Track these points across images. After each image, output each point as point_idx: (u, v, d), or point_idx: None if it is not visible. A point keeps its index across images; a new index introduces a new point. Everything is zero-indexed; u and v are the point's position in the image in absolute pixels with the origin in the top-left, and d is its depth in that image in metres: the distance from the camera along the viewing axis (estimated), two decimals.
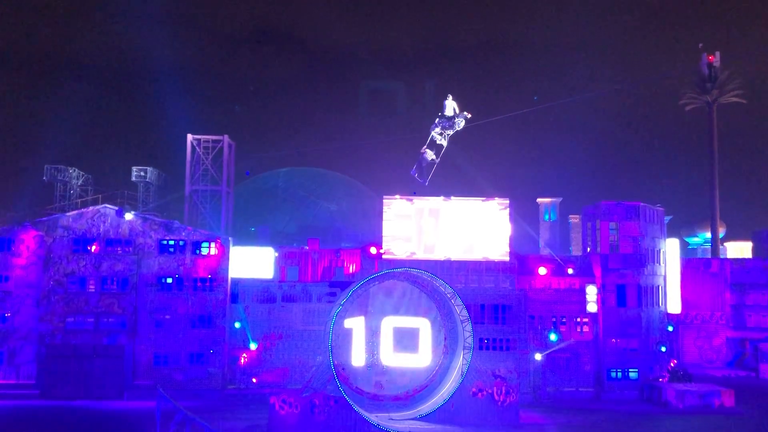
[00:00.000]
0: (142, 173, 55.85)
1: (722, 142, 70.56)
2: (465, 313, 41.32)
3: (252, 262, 49.87)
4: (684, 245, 62.07)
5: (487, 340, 48.75)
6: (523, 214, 61.98)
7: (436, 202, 49.92)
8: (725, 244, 73.17)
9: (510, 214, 50.21)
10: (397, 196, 49.82)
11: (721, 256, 66.99)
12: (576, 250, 61.13)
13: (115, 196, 52.20)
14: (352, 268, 51.20)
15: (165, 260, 48.63)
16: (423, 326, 44.79)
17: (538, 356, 48.65)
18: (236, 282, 49.49)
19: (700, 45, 70.10)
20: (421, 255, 49.34)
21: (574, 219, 63.70)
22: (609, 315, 50.26)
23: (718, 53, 69.36)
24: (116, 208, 49.23)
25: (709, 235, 70.86)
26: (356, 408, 37.20)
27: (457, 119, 27.49)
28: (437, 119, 27.30)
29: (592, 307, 50.43)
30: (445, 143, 25.82)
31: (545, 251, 59.17)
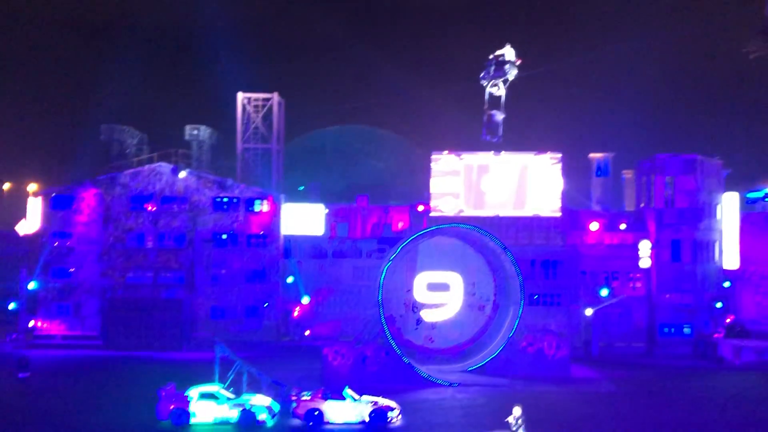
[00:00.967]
0: (195, 132, 56.81)
1: None
2: (515, 268, 41.18)
3: (303, 219, 50.65)
4: (743, 200, 60.08)
5: (538, 295, 48.65)
6: (575, 170, 60.91)
7: (485, 157, 49.47)
8: None
9: (561, 169, 49.47)
10: (446, 152, 49.54)
11: None
12: (629, 206, 59.89)
13: (170, 154, 53.32)
14: (400, 225, 51.49)
15: (219, 217, 49.78)
16: (457, 281, 44.73)
17: (589, 311, 48.37)
18: (288, 238, 50.40)
19: None
20: (469, 211, 49.20)
21: (628, 174, 62.21)
22: (663, 270, 49.49)
23: None
24: (171, 166, 50.43)
25: None
26: (406, 360, 37.80)
27: (507, 67, 26.75)
28: (486, 66, 26.55)
29: (645, 263, 49.69)
30: (503, 92, 25.13)
31: (597, 207, 58.24)
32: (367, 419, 28.73)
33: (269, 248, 49.74)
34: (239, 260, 49.66)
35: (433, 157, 49.65)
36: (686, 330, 49.12)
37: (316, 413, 28.79)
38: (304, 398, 29.29)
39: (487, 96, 31.08)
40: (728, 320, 51.02)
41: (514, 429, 23.99)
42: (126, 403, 32.22)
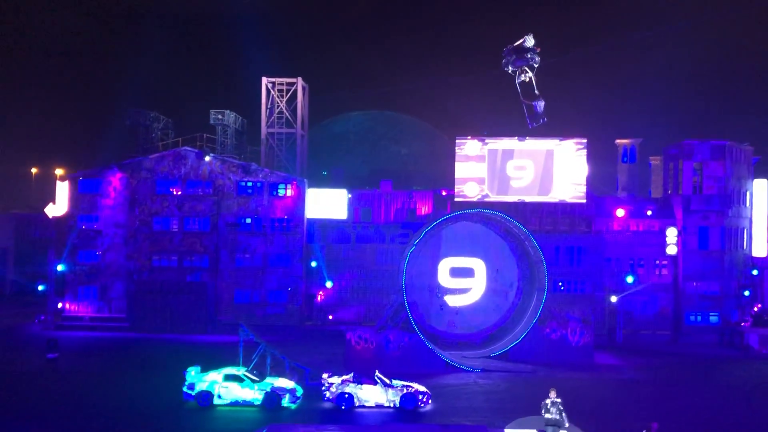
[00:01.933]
0: (220, 116, 56.99)
1: None
2: (540, 254, 40.96)
3: (326, 204, 50.77)
4: None
5: (562, 281, 48.36)
6: (601, 156, 60.29)
7: (510, 142, 49.10)
8: None
9: (587, 155, 48.94)
10: (470, 137, 49.24)
11: None
12: (655, 193, 59.17)
13: (195, 139, 53.66)
14: (424, 210, 51.39)
15: (244, 201, 50.08)
16: (480, 267, 44.59)
17: (613, 298, 48.02)
18: (312, 222, 50.57)
19: None
20: (493, 197, 48.93)
21: (655, 161, 61.43)
22: (689, 258, 48.90)
23: None
24: (196, 150, 50.75)
25: None
26: (429, 345, 37.87)
27: (529, 55, 26.44)
28: (504, 55, 26.21)
29: (671, 250, 49.15)
30: (533, 77, 24.76)
31: (623, 193, 57.60)
32: (397, 403, 28.87)
33: (293, 233, 49.97)
34: (263, 245, 49.99)
35: (458, 142, 49.38)
36: (713, 318, 48.58)
37: (346, 396, 28.99)
38: (335, 382, 29.51)
39: (518, 86, 30.76)
40: (756, 309, 50.35)
41: (549, 411, 23.89)
42: (151, 383, 32.72)
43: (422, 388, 29.70)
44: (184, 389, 29.23)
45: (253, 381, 29.33)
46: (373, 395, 29.12)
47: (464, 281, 44.78)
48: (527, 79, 25.94)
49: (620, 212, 49.63)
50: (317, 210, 50.68)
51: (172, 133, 58.56)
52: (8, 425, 25.93)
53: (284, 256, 49.93)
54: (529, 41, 28.40)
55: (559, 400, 23.89)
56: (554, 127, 50.23)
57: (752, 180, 51.45)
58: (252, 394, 28.94)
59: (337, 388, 29.23)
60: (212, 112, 56.90)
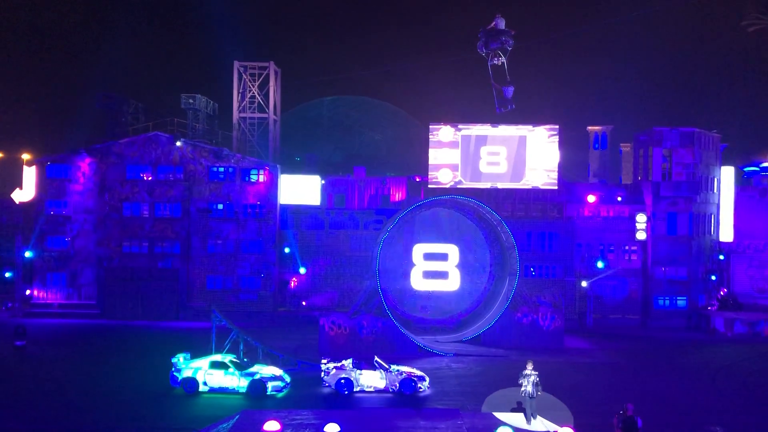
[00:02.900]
0: (191, 101, 56.20)
1: None
2: (511, 240, 41.29)
3: (300, 190, 50.55)
4: (739, 174, 60.09)
5: (534, 267, 48.85)
6: (573, 142, 60.83)
7: (482, 128, 49.28)
8: None
9: (559, 142, 49.33)
10: (443, 123, 49.31)
11: None
12: (626, 179, 59.94)
13: (166, 123, 52.98)
14: (398, 196, 51.44)
15: (216, 187, 49.62)
16: (453, 252, 44.93)
17: (584, 283, 48.65)
18: (285, 208, 50.34)
19: None
20: (467, 183, 49.15)
21: (626, 147, 62.14)
22: (658, 243, 49.71)
23: None
24: (167, 135, 50.08)
25: (766, 164, 68.44)
26: (403, 330, 38.04)
27: (503, 38, 26.55)
28: (480, 37, 26.28)
29: (641, 235, 49.90)
30: (505, 62, 24.89)
31: (594, 179, 58.24)
32: (397, 388, 28.98)
33: (266, 219, 49.69)
34: (236, 231, 49.65)
35: (431, 128, 49.44)
36: (680, 302, 49.50)
37: (344, 381, 28.99)
38: (334, 367, 29.51)
39: (490, 69, 30.89)
40: (722, 293, 51.42)
41: (525, 382, 24.62)
42: (125, 370, 32.43)
43: (421, 373, 29.89)
44: (171, 375, 28.90)
45: (239, 368, 28.81)
46: (372, 380, 29.17)
47: (438, 266, 45.02)
48: (500, 63, 26.12)
49: (591, 198, 50.22)
50: (290, 196, 50.45)
51: (143, 118, 57.70)
52: None
53: (257, 242, 49.66)
54: (501, 23, 28.55)
55: (535, 372, 24.60)
56: (527, 114, 50.56)
57: (720, 167, 52.39)
58: (236, 381, 28.45)
59: (335, 373, 29.22)
60: (183, 96, 56.11)
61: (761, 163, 71.20)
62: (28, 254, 48.93)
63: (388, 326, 37.67)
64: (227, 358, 29.31)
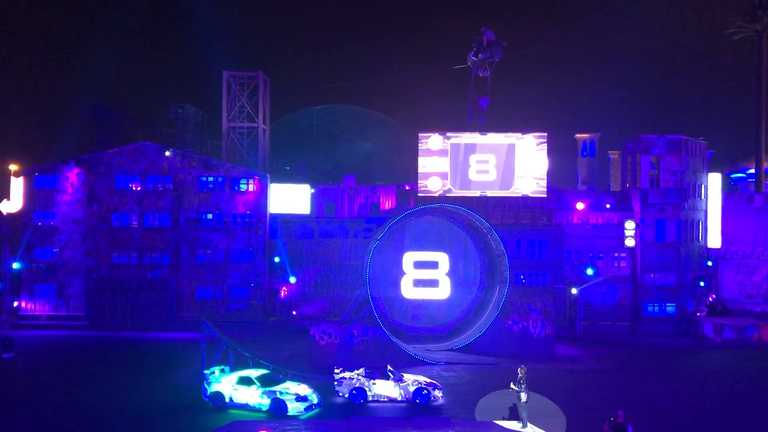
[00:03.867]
0: (180, 110, 56.10)
1: None
2: (501, 247, 41.40)
3: (289, 199, 50.50)
4: (726, 181, 60.68)
5: (524, 274, 48.96)
6: (561, 150, 61.12)
7: (471, 137, 49.46)
8: None
9: (547, 149, 49.58)
10: (432, 132, 49.47)
11: (766, 192, 65.35)
12: (615, 187, 60.28)
13: (154, 133, 52.85)
14: (387, 205, 51.48)
15: (205, 196, 49.49)
16: (444, 260, 44.99)
17: (574, 291, 48.82)
18: (275, 218, 50.26)
19: None
20: (456, 191, 49.29)
21: (614, 155, 62.52)
22: (647, 250, 49.98)
23: None
24: (156, 145, 49.93)
25: (752, 171, 69.11)
26: (393, 339, 37.99)
27: (494, 48, 26.84)
28: (473, 47, 26.57)
29: (630, 242, 50.16)
30: (489, 74, 25.19)
31: (582, 187, 58.54)
32: (410, 397, 28.93)
33: (255, 228, 49.58)
34: (225, 240, 49.49)
35: (420, 136, 49.57)
36: (669, 308, 49.76)
37: (355, 391, 28.96)
38: (347, 377, 29.41)
39: (473, 78, 31.16)
40: (710, 299, 51.72)
41: (518, 387, 24.87)
42: (116, 384, 32.18)
43: (434, 382, 29.89)
44: (203, 387, 28.41)
45: (264, 385, 27.93)
46: (385, 390, 29.14)
47: (428, 275, 45.04)
48: (484, 75, 26.35)
49: (580, 206, 50.47)
50: (280, 205, 50.38)
51: (131, 128, 57.52)
52: None
53: (247, 252, 49.52)
54: (490, 34, 28.82)
55: (524, 377, 24.79)
56: (515, 122, 50.87)
57: (707, 174, 52.82)
58: (260, 399, 27.64)
59: (348, 383, 29.11)
60: (172, 106, 56.00)
61: (747, 169, 71.89)
62: (15, 265, 48.56)
63: (379, 335, 37.61)
64: (256, 373, 28.48)
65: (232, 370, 29.99)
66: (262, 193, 49.75)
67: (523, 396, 24.88)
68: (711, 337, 45.68)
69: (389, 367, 30.00)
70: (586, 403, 29.05)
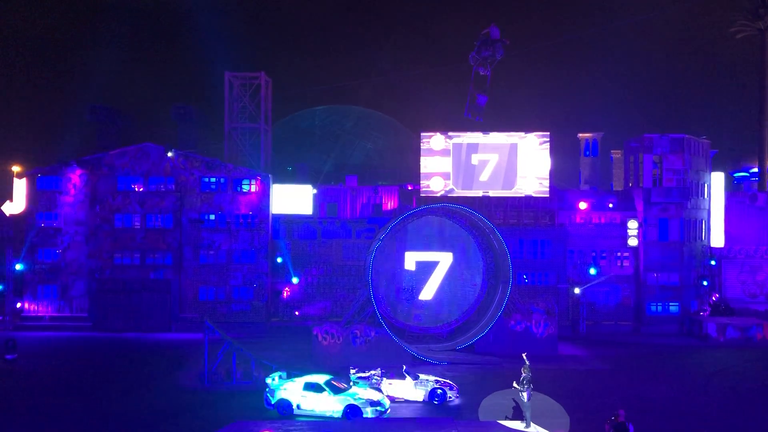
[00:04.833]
0: (182, 111, 56.20)
1: None
2: (504, 247, 41.32)
3: (292, 200, 50.51)
4: (729, 180, 60.52)
5: (526, 274, 48.89)
6: (563, 150, 61.06)
7: (474, 136, 49.41)
8: None
9: (550, 149, 49.51)
10: (435, 132, 49.43)
11: None
12: (617, 186, 60.20)
13: (157, 134, 53.00)
14: (390, 205, 51.44)
15: (207, 197, 49.52)
16: (446, 260, 44.92)
17: (577, 290, 48.72)
18: (277, 218, 50.27)
19: None
20: (459, 191, 49.24)
21: (616, 154, 62.46)
22: (650, 249, 49.87)
23: None
24: (158, 146, 49.97)
25: (755, 170, 68.98)
26: (396, 339, 37.94)
27: (496, 46, 26.81)
28: (476, 46, 26.53)
29: (632, 242, 50.04)
30: (488, 73, 25.18)
31: (585, 186, 58.46)
32: (427, 397, 28.90)
33: (258, 229, 49.59)
34: (228, 241, 49.51)
35: (423, 136, 49.55)
36: (673, 308, 49.64)
37: None
38: (363, 377, 29.39)
39: (473, 75, 31.15)
40: (714, 298, 51.59)
41: (522, 387, 24.81)
42: (115, 384, 32.19)
43: (449, 382, 29.86)
44: (265, 396, 27.40)
45: (335, 391, 26.82)
46: (402, 390, 29.11)
47: (431, 274, 44.95)
48: (484, 73, 26.33)
49: (583, 205, 50.37)
50: (282, 206, 50.39)
51: (134, 129, 57.63)
52: None
53: (249, 253, 49.53)
54: (495, 32, 28.79)
55: (528, 376, 24.69)
56: (518, 121, 50.79)
57: (710, 173, 52.68)
58: (331, 405, 26.40)
59: (365, 383, 28.98)
60: (174, 107, 56.06)
61: (750, 168, 71.72)
62: (18, 267, 48.62)
63: (382, 335, 37.57)
64: (323, 379, 27.46)
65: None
66: (264, 194, 49.76)
67: (525, 395, 24.80)
68: (714, 336, 45.55)
69: (405, 367, 29.94)
70: (588, 403, 28.98)
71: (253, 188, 49.76)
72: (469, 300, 45.06)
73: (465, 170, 49.36)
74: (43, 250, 49.38)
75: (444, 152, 49.28)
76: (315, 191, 51.06)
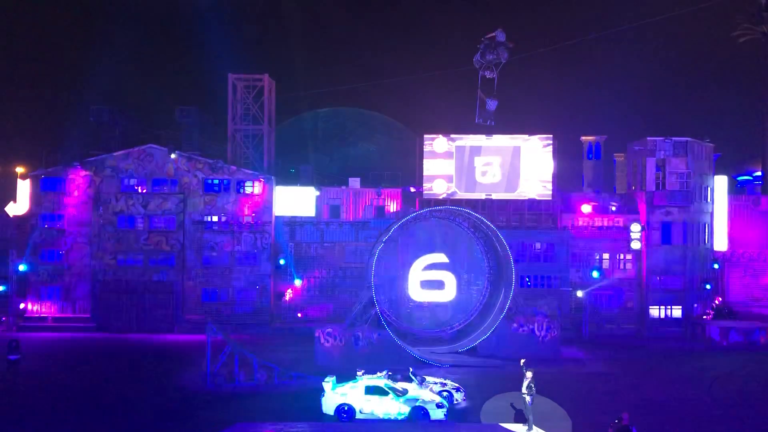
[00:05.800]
0: (186, 113, 56.28)
1: None
2: (507, 250, 41.31)
3: (295, 201, 50.57)
4: (733, 183, 60.40)
5: (529, 277, 48.86)
6: (566, 152, 60.94)
7: (477, 139, 49.44)
8: None
9: (553, 152, 49.51)
10: (437, 134, 49.48)
11: None
12: (620, 189, 60.08)
13: (160, 136, 53.02)
14: (393, 207, 51.50)
15: (210, 199, 49.60)
16: (449, 263, 44.91)
17: (579, 293, 48.67)
18: (280, 220, 50.32)
19: None
20: (461, 194, 49.28)
21: (619, 157, 62.34)
22: (653, 252, 49.79)
23: None
24: (161, 147, 50.07)
25: (759, 173, 68.84)
26: (399, 341, 37.94)
27: (500, 49, 26.81)
28: (480, 48, 26.55)
29: (635, 245, 49.96)
30: (495, 76, 25.17)
31: (588, 189, 58.41)
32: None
33: (261, 231, 49.64)
34: (230, 242, 49.57)
35: (426, 139, 49.60)
36: (676, 312, 49.54)
37: None
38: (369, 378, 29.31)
39: (479, 79, 31.15)
40: (717, 302, 51.50)
41: (526, 391, 24.71)
42: (117, 385, 32.23)
43: (456, 384, 29.73)
44: (321, 402, 26.72)
45: (398, 394, 26.52)
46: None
47: (433, 277, 44.97)
48: (490, 76, 26.35)
49: (586, 208, 50.34)
50: (285, 207, 50.44)
51: (137, 131, 57.70)
52: None
53: (252, 255, 49.57)
54: (501, 36, 28.81)
55: (532, 380, 24.69)
56: (521, 124, 50.80)
57: (713, 176, 52.58)
58: (396, 408, 26.01)
59: None
60: (177, 108, 56.15)
61: (754, 172, 71.59)
62: (22, 268, 48.72)
63: (384, 338, 37.56)
64: (382, 381, 26.97)
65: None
66: (267, 196, 49.82)
67: (527, 398, 24.73)
68: (717, 340, 45.44)
69: (411, 369, 29.85)
70: (591, 406, 28.93)
71: (257, 190, 49.83)
72: (472, 302, 45.03)
73: (468, 173, 49.38)
74: (47, 251, 49.48)
75: (447, 155, 49.31)
76: (318, 193, 51.12)
